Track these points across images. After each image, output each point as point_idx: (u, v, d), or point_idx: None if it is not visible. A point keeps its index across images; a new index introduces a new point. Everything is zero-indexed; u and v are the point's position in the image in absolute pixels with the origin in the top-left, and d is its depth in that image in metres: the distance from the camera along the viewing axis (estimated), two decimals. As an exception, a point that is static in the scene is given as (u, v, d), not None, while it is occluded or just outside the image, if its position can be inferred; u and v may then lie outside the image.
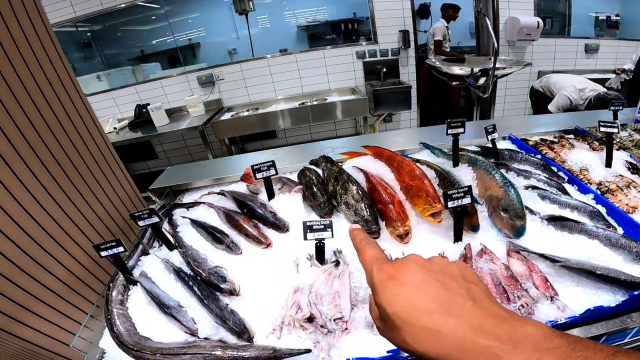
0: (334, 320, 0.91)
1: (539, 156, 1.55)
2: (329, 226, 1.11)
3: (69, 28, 4.49)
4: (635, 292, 0.83)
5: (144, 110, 4.34)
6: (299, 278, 1.07)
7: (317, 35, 5.36)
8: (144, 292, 1.06)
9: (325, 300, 0.96)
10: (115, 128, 4.44)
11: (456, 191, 1.08)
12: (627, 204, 1.24)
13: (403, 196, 1.31)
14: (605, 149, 1.46)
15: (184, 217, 1.45)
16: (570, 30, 5.73)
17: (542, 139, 1.73)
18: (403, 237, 1.16)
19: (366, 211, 1.22)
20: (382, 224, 1.24)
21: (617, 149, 1.61)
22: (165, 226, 1.43)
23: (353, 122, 4.63)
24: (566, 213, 1.21)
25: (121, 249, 1.09)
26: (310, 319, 0.92)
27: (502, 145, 1.76)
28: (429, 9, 6.59)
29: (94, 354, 0.98)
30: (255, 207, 1.37)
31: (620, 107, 1.96)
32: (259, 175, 1.44)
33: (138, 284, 1.10)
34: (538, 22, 4.34)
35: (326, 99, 4.25)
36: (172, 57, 5.15)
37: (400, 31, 4.32)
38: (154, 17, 4.69)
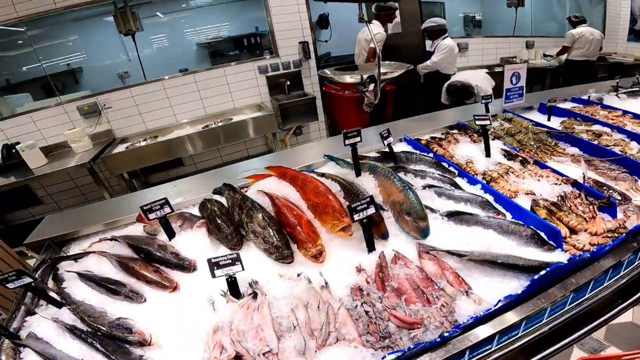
0: (264, 354, 0.89)
1: (431, 155, 1.73)
2: (237, 259, 1.08)
3: None
4: (536, 277, 0.94)
5: (13, 150, 3.68)
6: (217, 317, 1.04)
7: (219, 52, 5.24)
8: (37, 355, 0.96)
9: (249, 335, 0.94)
10: (-26, 176, 3.67)
11: (359, 203, 1.13)
12: (509, 190, 1.44)
13: (312, 214, 1.33)
14: (482, 140, 1.69)
15: (69, 271, 1.30)
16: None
17: (432, 137, 1.93)
18: (317, 256, 1.18)
19: (274, 237, 1.22)
20: (295, 246, 1.24)
21: (493, 139, 1.88)
22: (51, 283, 1.28)
23: (264, 139, 4.60)
24: (460, 206, 1.35)
25: None
26: (239, 358, 0.90)
27: (400, 147, 1.92)
28: (328, 19, 6.96)
29: None
30: (153, 250, 1.29)
31: (490, 100, 2.31)
32: (151, 216, 1.36)
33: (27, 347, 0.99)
34: None
35: (232, 119, 4.15)
36: (47, 85, 4.47)
37: (300, 42, 4.47)
38: (20, 42, 4.04)
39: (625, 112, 2.23)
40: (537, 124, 2.08)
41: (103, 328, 1.00)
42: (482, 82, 3.70)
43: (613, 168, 1.64)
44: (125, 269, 1.22)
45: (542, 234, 1.19)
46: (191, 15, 4.90)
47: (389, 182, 1.32)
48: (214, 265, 1.06)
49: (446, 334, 0.86)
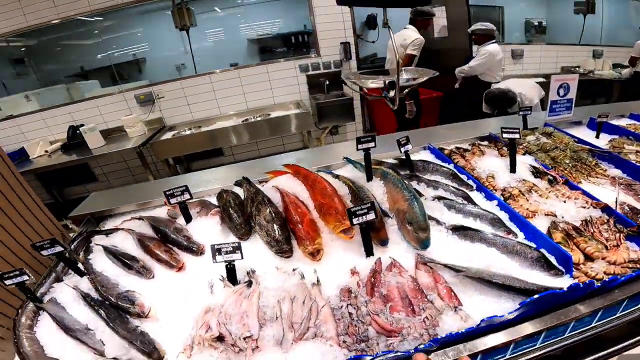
0: (244, 338, 0.95)
1: (451, 165, 1.69)
2: (238, 248, 1.15)
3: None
4: (527, 300, 0.90)
5: (77, 131, 4.15)
6: (213, 299, 1.11)
7: (268, 49, 5.44)
8: (50, 317, 1.09)
9: (234, 319, 1.00)
10: (46, 151, 4.21)
11: (359, 208, 1.15)
12: (527, 209, 1.36)
13: (317, 214, 1.37)
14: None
15: (97, 244, 1.44)
16: (503, 38, 6.25)
17: (457, 147, 1.87)
18: (314, 254, 1.22)
19: (277, 232, 1.28)
20: (296, 243, 1.29)
21: (524, 154, 1.78)
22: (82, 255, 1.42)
23: (300, 135, 4.71)
24: (469, 221, 1.31)
25: (25, 277, 1.13)
26: (221, 339, 0.96)
27: (422, 155, 1.89)
28: (377, 20, 6.91)
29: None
30: (169, 231, 1.40)
31: (529, 112, 2.17)
32: (172, 200, 1.47)
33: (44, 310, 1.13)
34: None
35: (270, 115, 4.30)
36: (114, 73, 4.97)
37: (341, 43, 4.51)
38: (96, 32, 4.54)
39: (691, 133, 1.99)
40: (580, 141, 1.93)
41: (111, 298, 1.11)
42: (527, 90, 3.47)
43: (657, 194, 1.49)
44: (142, 246, 1.35)
45: (552, 258, 1.12)
46: (244, 11, 5.13)
47: (397, 190, 1.32)
48: (216, 251, 1.15)
49: (421, 347, 0.86)
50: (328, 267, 1.20)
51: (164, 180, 2.45)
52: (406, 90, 1.58)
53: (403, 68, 1.83)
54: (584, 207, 1.37)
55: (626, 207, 1.42)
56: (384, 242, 1.22)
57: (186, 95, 4.44)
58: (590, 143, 1.89)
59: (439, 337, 0.89)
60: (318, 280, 1.13)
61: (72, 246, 1.45)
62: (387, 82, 1.50)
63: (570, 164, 1.68)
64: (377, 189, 1.43)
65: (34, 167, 3.94)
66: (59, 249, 1.23)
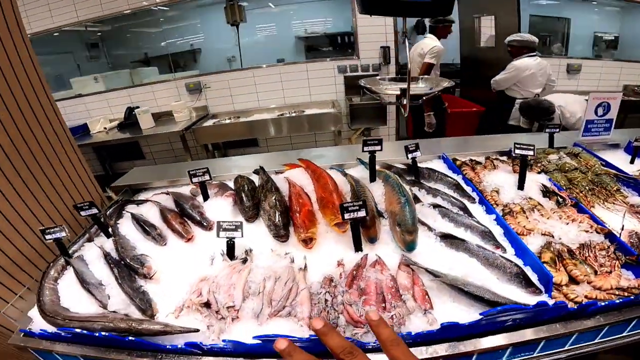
0: (227, 307, 1.07)
1: (458, 177, 1.71)
2: (240, 227, 1.29)
3: (78, 27, 4.81)
4: (487, 311, 0.93)
5: (133, 112, 4.58)
6: (211, 270, 1.25)
7: (314, 47, 5.62)
8: (73, 270, 1.27)
9: (222, 289, 1.12)
10: (105, 128, 4.73)
11: (351, 204, 1.23)
12: (524, 226, 1.36)
13: (317, 206, 1.48)
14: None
15: (127, 211, 1.66)
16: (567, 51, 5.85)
17: (471, 159, 1.88)
18: (307, 242, 1.32)
19: (277, 217, 1.40)
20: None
21: (539, 172, 1.75)
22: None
23: (332, 134, 4.81)
24: (460, 231, 1.34)
25: (63, 234, 1.33)
26: (208, 305, 1.09)
27: (435, 164, 1.92)
28: (426, 26, 6.82)
29: (24, 322, 1.16)
30: (186, 206, 1.58)
31: (557, 130, 2.09)
32: (194, 180, 1.65)
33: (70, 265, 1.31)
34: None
35: (304, 112, 4.45)
36: (173, 61, 5.44)
37: (381, 47, 4.53)
38: (161, 20, 5.01)
39: None
40: (608, 165, 1.84)
41: (126, 259, 1.29)
42: (570, 104, 3.27)
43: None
44: (162, 216, 1.54)
45: (534, 276, 1.14)
46: (295, 8, 5.34)
47: (393, 193, 1.39)
48: (220, 227, 1.28)
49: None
50: (318, 255, 1.29)
51: (197, 162, 2.69)
52: (421, 99, 1.62)
53: (419, 77, 1.86)
54: (587, 231, 1.34)
55: (635, 237, 1.37)
56: (372, 240, 1.29)
57: (230, 87, 4.74)
58: (617, 167, 1.80)
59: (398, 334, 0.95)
60: (305, 266, 1.22)
61: (108, 212, 1.67)
62: (386, 90, 1.56)
63: (587, 187, 1.63)
64: (377, 190, 1.51)
65: (92, 141, 4.46)
66: (94, 211, 1.46)
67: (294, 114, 4.38)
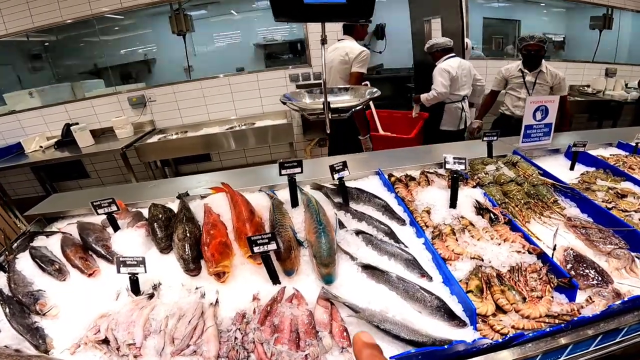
0: (128, 345, 1.01)
1: (390, 194, 1.62)
2: (142, 262, 1.19)
3: (19, 38, 4.51)
4: (394, 357, 0.86)
5: (71, 129, 4.27)
6: (116, 306, 1.17)
7: (274, 55, 5.50)
8: None
9: (121, 327, 1.07)
10: (41, 146, 4.41)
11: (260, 237, 1.12)
12: (452, 250, 1.28)
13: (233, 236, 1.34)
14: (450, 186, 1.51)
15: (28, 244, 1.54)
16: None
17: (406, 175, 1.80)
18: (220, 275, 1.22)
19: (185, 250, 1.28)
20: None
21: (474, 186, 1.68)
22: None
23: (288, 145, 4.67)
24: (384, 259, 1.25)
25: None
26: (107, 342, 1.04)
27: (371, 181, 1.83)
28: (385, 30, 6.90)
29: None
30: (90, 239, 1.46)
31: (495, 138, 2.03)
32: (100, 211, 1.49)
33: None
34: (467, 43, 4.46)
35: (254, 124, 4.31)
36: (126, 72, 5.15)
37: (333, 54, 4.43)
38: (116, 28, 4.76)
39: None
40: (546, 173, 1.81)
41: (18, 295, 1.22)
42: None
43: (611, 241, 1.37)
44: (62, 250, 1.43)
45: (458, 307, 1.07)
46: (255, 15, 5.19)
47: (311, 221, 1.29)
48: (120, 262, 1.19)
49: None
50: (233, 289, 1.21)
51: (126, 185, 2.50)
52: (346, 114, 1.52)
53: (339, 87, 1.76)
54: (519, 252, 1.28)
55: (571, 253, 1.32)
56: (288, 273, 1.19)
57: (177, 100, 4.53)
58: (554, 177, 1.76)
59: None
60: (217, 301, 1.14)
61: (15, 244, 1.55)
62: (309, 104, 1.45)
63: (522, 201, 1.58)
64: (299, 216, 1.39)
65: (28, 161, 4.14)
66: None
67: (244, 127, 4.23)
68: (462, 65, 3.81)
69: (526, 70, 3.58)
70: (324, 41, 1.43)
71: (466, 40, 4.33)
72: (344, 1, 1.29)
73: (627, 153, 2.12)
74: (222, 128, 4.39)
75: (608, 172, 1.87)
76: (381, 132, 3.84)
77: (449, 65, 3.76)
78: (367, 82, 3.60)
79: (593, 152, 2.13)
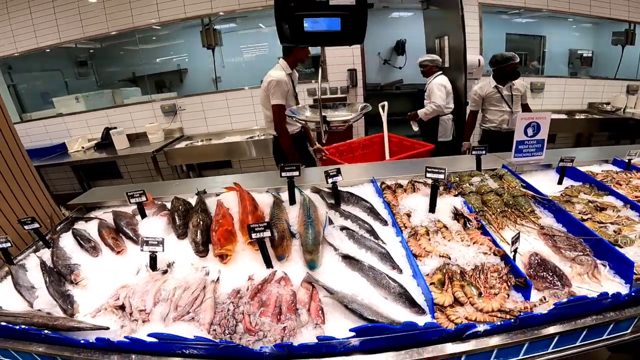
0: (139, 311, 1.22)
1: (379, 199, 1.83)
2: (161, 242, 1.44)
3: (68, 45, 5.03)
4: (356, 328, 0.98)
5: (110, 133, 4.73)
6: (135, 279, 1.40)
7: (297, 69, 5.80)
8: (10, 275, 1.46)
9: (137, 295, 1.27)
10: (83, 147, 4.89)
11: (257, 225, 1.35)
12: (424, 248, 1.46)
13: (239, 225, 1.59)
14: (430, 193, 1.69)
15: (71, 227, 1.82)
16: (544, 69, 6.08)
17: (396, 183, 2.00)
18: (223, 257, 1.45)
19: (196, 235, 1.54)
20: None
21: (456, 195, 1.85)
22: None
23: (304, 154, 4.94)
24: (361, 252, 1.46)
25: (8, 244, 1.52)
26: (123, 308, 1.23)
27: (366, 187, 2.05)
28: (405, 46, 7.11)
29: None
30: (122, 223, 1.74)
31: (483, 152, 2.18)
32: (132, 200, 1.79)
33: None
34: (479, 60, 4.67)
35: (272, 134, 4.57)
36: (160, 81, 5.63)
37: (348, 70, 4.74)
38: (154, 38, 5.27)
39: (673, 184, 1.89)
40: (529, 186, 1.94)
41: (59, 267, 1.45)
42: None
43: (577, 248, 1.50)
44: (98, 232, 1.71)
45: (421, 296, 1.23)
46: (273, 30, 5.53)
47: (303, 216, 1.53)
48: (143, 242, 1.43)
49: (266, 347, 1.01)
50: (233, 270, 1.42)
51: (154, 183, 2.82)
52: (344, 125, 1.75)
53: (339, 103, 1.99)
54: (485, 253, 1.42)
55: (537, 259, 1.43)
56: (280, 258, 1.41)
57: (204, 110, 4.92)
58: (535, 189, 1.90)
59: (280, 343, 1.02)
60: (218, 279, 1.35)
61: (59, 227, 1.85)
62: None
63: (498, 209, 1.73)
64: (295, 212, 1.62)
65: (69, 160, 4.63)
66: (35, 225, 1.64)
67: (262, 137, 4.53)
68: (449, 81, 4.26)
69: (500, 86, 3.81)
70: (322, 63, 1.67)
71: (479, 57, 4.49)
72: (338, 29, 1.55)
73: (620, 169, 2.21)
74: (243, 137, 4.74)
75: (593, 187, 1.97)
76: (387, 156, 3.99)
77: (443, 80, 4.18)
78: (385, 103, 3.91)
79: (588, 168, 2.24)
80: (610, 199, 1.84)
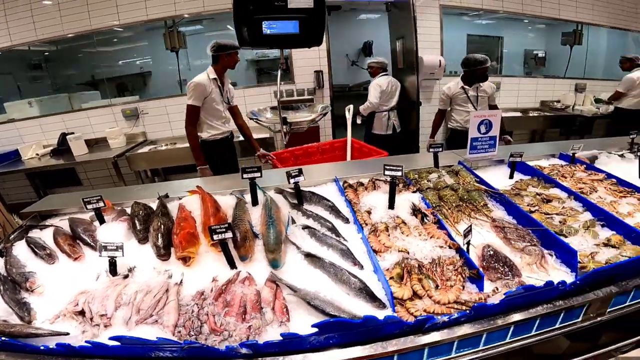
0: (100, 315, 1.20)
1: (341, 197, 1.87)
2: (120, 247, 1.42)
3: (20, 47, 4.77)
4: (320, 323, 0.98)
5: (66, 138, 4.52)
6: (95, 285, 1.37)
7: (265, 70, 5.81)
8: None
9: (97, 300, 1.25)
10: (37, 154, 4.65)
11: (219, 227, 1.36)
12: (384, 244, 1.50)
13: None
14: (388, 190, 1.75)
15: (25, 235, 1.75)
16: (501, 69, 6.36)
17: (358, 182, 2.05)
18: (186, 260, 1.45)
19: (158, 239, 1.53)
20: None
21: (415, 191, 1.93)
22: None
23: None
24: (323, 249, 1.50)
25: None
26: (83, 313, 1.22)
27: (329, 187, 2.09)
28: (372, 47, 7.27)
29: None
30: (79, 229, 1.70)
31: (440, 149, 2.29)
32: (89, 207, 1.74)
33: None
34: (440, 61, 4.88)
35: (239, 137, 4.56)
36: (122, 84, 5.41)
37: (315, 71, 4.80)
38: (114, 40, 5.06)
39: (609, 176, 2.07)
40: (482, 181, 2.05)
41: (13, 275, 1.41)
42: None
43: (525, 239, 1.59)
44: (54, 239, 1.65)
45: (382, 291, 1.27)
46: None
47: (265, 215, 1.55)
48: (102, 247, 1.41)
49: (232, 347, 1.01)
50: (197, 272, 1.42)
51: (115, 188, 2.74)
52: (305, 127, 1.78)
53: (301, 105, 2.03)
54: (441, 247, 1.48)
55: (489, 250, 1.49)
56: (242, 258, 1.42)
57: (168, 113, 4.80)
58: (487, 184, 2.01)
59: (246, 341, 1.02)
60: (181, 282, 1.35)
61: (12, 235, 1.76)
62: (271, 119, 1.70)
63: (454, 204, 1.82)
64: (257, 213, 1.64)
65: (23, 168, 4.38)
66: None
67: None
68: (391, 82, 4.67)
69: (467, 87, 4.01)
70: (282, 65, 1.70)
71: (439, 58, 4.71)
72: (297, 32, 1.58)
73: (566, 163, 2.39)
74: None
75: (540, 180, 2.11)
76: (348, 158, 3.83)
77: (381, 81, 4.57)
78: (351, 106, 4.02)
79: (537, 162, 2.41)
80: (556, 191, 1.98)
